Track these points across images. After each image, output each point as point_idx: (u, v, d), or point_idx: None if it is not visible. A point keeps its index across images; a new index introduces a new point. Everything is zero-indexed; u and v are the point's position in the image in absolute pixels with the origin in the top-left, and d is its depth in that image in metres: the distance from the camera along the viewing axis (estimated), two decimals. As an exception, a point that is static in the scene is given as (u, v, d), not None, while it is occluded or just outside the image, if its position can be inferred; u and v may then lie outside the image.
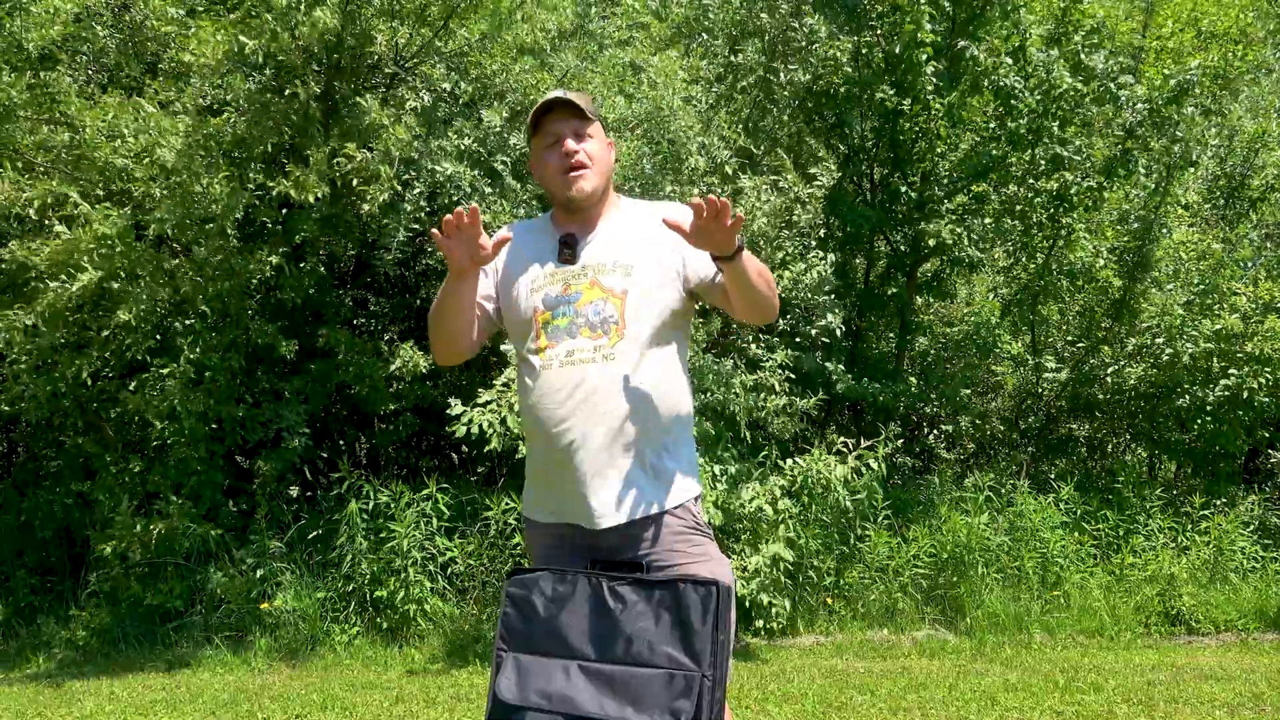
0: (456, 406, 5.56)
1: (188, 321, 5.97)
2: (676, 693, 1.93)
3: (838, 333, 6.58)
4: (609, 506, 2.14)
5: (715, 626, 1.97)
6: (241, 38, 5.40)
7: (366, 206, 5.66)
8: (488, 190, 6.03)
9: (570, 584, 2.07)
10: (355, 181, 5.71)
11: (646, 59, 6.46)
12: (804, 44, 6.91)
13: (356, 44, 5.81)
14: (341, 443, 6.95)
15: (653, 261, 2.24)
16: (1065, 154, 6.96)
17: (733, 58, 7.25)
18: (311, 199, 5.55)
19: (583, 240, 2.26)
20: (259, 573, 5.96)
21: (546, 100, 2.23)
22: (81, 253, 5.30)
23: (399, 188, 5.78)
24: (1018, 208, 7.52)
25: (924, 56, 6.67)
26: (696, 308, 2.43)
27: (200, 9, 6.20)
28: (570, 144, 2.22)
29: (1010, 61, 6.89)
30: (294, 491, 6.13)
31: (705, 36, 7.53)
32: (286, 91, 5.69)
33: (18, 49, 5.45)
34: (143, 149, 5.44)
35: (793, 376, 6.36)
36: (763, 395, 6.04)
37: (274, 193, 5.64)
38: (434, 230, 2.08)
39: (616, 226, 2.30)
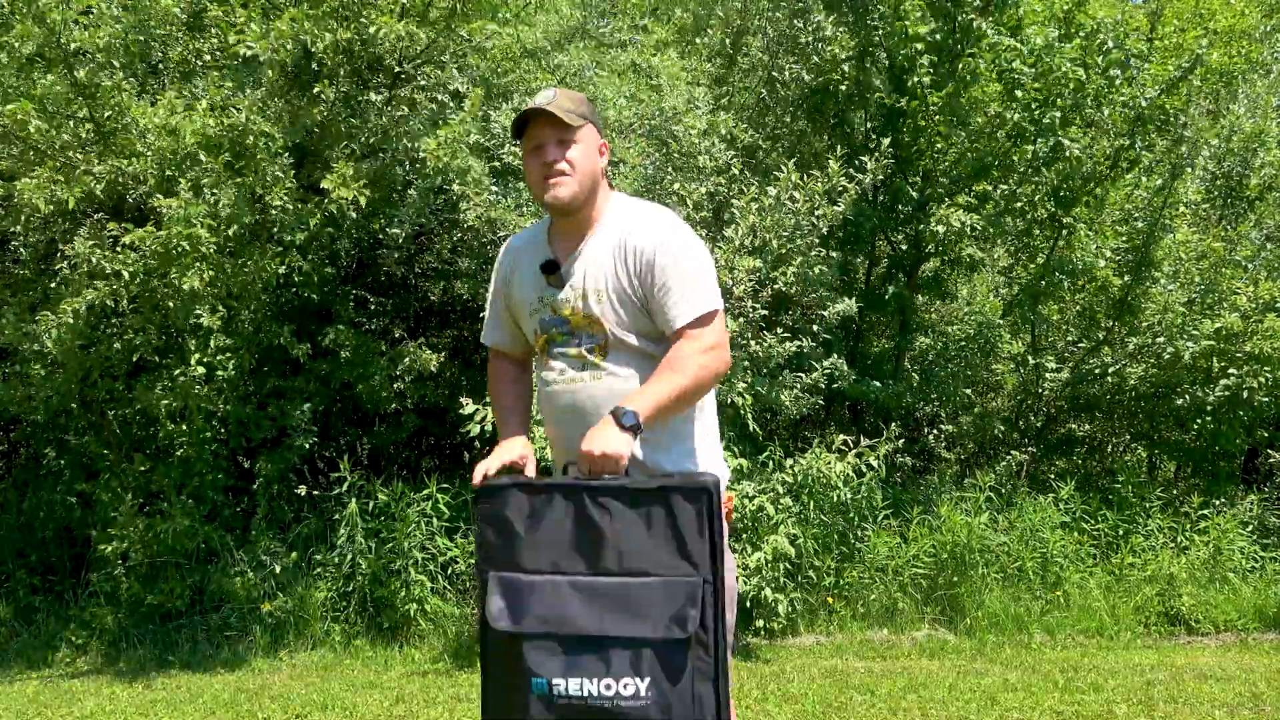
0: (469, 405, 5.56)
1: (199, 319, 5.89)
2: (679, 600, 1.86)
3: (854, 315, 6.54)
4: None
5: (712, 532, 1.90)
6: (302, 34, 5.27)
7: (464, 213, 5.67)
8: (493, 188, 6.03)
9: (546, 499, 1.97)
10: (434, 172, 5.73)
11: (648, 59, 6.45)
12: (809, 41, 6.87)
13: (364, 43, 5.77)
14: (343, 442, 6.94)
15: (622, 288, 2.21)
16: (1066, 142, 6.90)
17: (736, 56, 7.21)
18: (363, 199, 5.42)
19: (566, 263, 2.26)
20: (259, 573, 5.96)
21: (525, 111, 2.23)
22: (175, 252, 5.08)
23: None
24: (1018, 205, 7.50)
25: (919, 48, 6.62)
26: None
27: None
28: (550, 153, 2.20)
29: (1016, 44, 6.84)
30: (301, 491, 6.10)
31: (708, 34, 7.51)
32: (315, 89, 5.65)
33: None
34: (204, 140, 5.28)
35: (799, 373, 6.35)
36: (775, 381, 6.01)
37: (331, 195, 5.51)
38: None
39: (599, 244, 2.25)
